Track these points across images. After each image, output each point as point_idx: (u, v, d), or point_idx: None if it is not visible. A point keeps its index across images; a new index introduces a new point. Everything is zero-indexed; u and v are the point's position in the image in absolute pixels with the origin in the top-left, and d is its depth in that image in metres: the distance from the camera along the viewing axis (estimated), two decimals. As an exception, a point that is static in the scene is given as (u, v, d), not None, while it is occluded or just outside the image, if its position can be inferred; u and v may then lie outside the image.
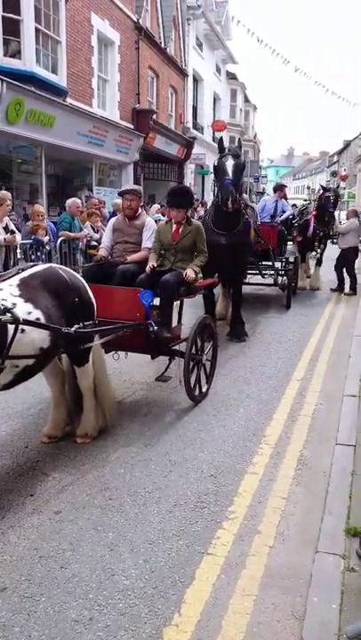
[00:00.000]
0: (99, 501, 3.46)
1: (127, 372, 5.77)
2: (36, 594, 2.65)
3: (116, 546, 3.03)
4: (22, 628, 2.43)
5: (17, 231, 7.33)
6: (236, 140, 33.18)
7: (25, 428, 4.51)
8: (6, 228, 6.99)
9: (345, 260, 11.12)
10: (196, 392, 5.09)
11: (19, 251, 7.54)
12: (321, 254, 11.75)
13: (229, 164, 6.54)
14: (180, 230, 5.25)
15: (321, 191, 11.99)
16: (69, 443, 4.25)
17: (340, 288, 11.19)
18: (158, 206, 14.82)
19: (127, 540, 3.08)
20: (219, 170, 6.69)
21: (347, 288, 11.14)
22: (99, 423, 4.37)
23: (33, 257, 7.67)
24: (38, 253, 7.89)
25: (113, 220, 5.63)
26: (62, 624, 2.47)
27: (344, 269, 11.11)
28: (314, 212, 11.30)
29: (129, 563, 2.90)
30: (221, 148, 6.83)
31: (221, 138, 7.14)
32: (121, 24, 16.06)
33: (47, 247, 8.21)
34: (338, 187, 22.90)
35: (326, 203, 11.16)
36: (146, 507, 3.43)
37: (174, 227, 5.31)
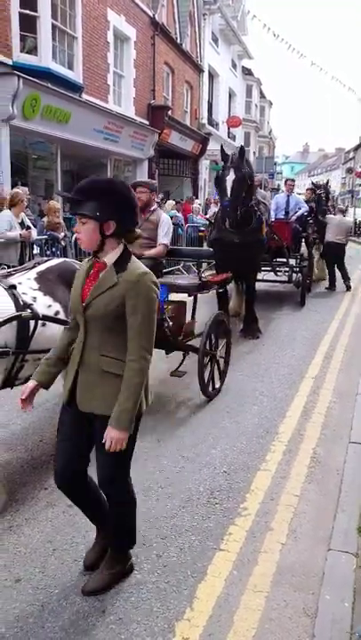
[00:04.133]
0: (112, 495, 3.48)
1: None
2: (50, 585, 2.68)
3: (128, 539, 3.04)
4: (36, 619, 2.46)
5: (32, 227, 7.38)
6: (251, 135, 32.94)
7: (40, 422, 4.55)
8: (22, 224, 7.04)
9: (333, 257, 11.31)
10: (210, 388, 5.10)
11: (35, 246, 7.60)
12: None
13: (229, 179, 6.41)
14: (99, 279, 2.40)
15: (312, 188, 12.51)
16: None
17: (332, 286, 11.33)
18: (173, 202, 14.83)
19: (139, 535, 3.07)
20: (219, 186, 6.64)
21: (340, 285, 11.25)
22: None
23: (48, 252, 7.73)
24: (54, 249, 7.94)
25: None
26: (75, 616, 2.50)
27: (335, 266, 11.33)
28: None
29: (141, 557, 2.91)
30: (224, 157, 6.69)
31: (222, 146, 7.02)
32: (137, 19, 16.04)
33: (62, 243, 8.26)
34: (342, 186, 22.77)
35: (319, 200, 11.67)
36: (158, 502, 3.44)
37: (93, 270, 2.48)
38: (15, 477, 3.65)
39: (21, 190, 8.65)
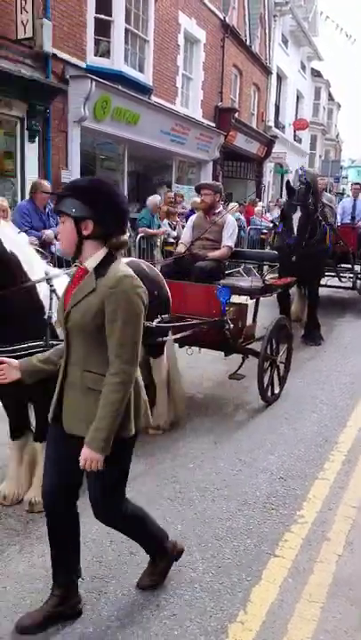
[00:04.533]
0: (168, 493, 3.53)
1: (198, 367, 5.81)
2: (107, 575, 2.75)
3: (184, 538, 3.07)
4: (93, 607, 2.54)
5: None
6: (317, 138, 32.23)
7: (99, 416, 4.66)
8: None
9: None
10: (269, 393, 5.06)
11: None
12: None
13: (296, 217, 6.37)
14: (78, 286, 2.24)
15: None
16: (141, 433, 4.33)
17: None
18: (237, 205, 14.75)
19: (195, 534, 3.13)
20: (285, 219, 6.64)
21: None
22: (170, 416, 4.45)
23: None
24: (118, 248, 8.10)
25: (193, 216, 5.69)
26: (130, 607, 2.55)
27: None
28: None
29: (196, 556, 2.94)
30: (290, 192, 6.65)
31: (288, 181, 6.97)
32: (207, 22, 16.11)
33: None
34: None
35: None
36: (214, 503, 3.46)
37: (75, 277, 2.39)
38: (76, 468, 3.75)
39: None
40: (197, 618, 2.51)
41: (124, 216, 2.21)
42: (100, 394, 2.12)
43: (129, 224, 8.74)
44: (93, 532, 3.08)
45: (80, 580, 2.54)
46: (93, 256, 2.16)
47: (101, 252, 2.16)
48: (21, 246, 3.01)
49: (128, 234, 2.36)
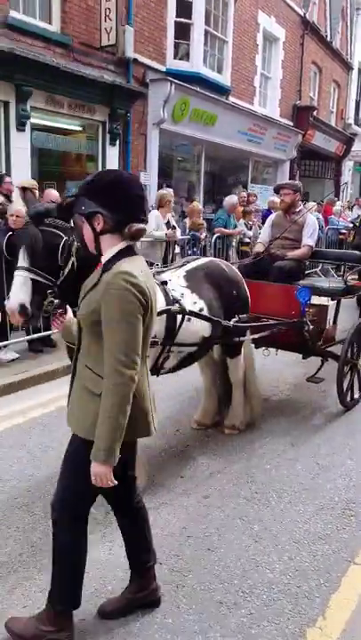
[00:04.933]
0: (245, 492, 3.52)
1: (275, 369, 5.75)
2: (184, 569, 2.79)
3: (260, 538, 3.07)
4: (171, 598, 2.58)
5: (177, 227, 7.69)
6: None
7: (176, 413, 4.74)
8: (168, 224, 7.36)
9: None
10: (348, 398, 4.91)
11: (176, 245, 7.91)
12: None
13: None
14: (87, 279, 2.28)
15: None
16: (217, 432, 4.37)
17: None
18: (315, 204, 14.43)
19: (272, 535, 3.10)
20: None
21: None
22: (246, 417, 4.44)
23: (190, 252, 7.99)
24: (195, 249, 8.18)
25: (272, 215, 5.63)
26: (208, 602, 2.58)
27: None
28: None
29: (273, 557, 2.92)
30: None
31: None
32: (287, 19, 15.87)
33: (202, 243, 8.48)
34: None
35: None
36: (291, 505, 3.41)
37: None
38: (153, 462, 3.83)
39: (167, 192, 9.07)
40: (275, 619, 2.50)
41: (133, 203, 2.06)
42: (89, 393, 2.08)
43: (204, 223, 8.86)
44: (171, 526, 3.14)
45: (158, 564, 2.58)
46: (110, 250, 2.09)
47: (118, 246, 2.08)
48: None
49: (147, 223, 2.19)
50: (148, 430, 2.22)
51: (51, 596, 2.27)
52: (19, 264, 2.69)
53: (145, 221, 2.12)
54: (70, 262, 2.75)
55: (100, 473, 1.99)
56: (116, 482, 2.04)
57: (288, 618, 2.51)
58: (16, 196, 6.22)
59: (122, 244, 2.08)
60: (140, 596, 2.48)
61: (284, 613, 2.53)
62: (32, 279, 2.69)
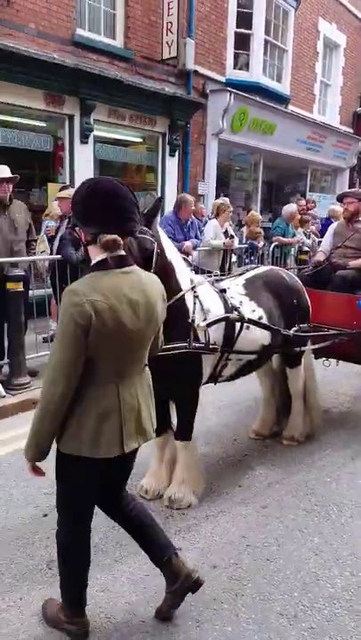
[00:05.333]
0: (304, 504, 3.47)
1: (335, 381, 5.64)
2: (243, 578, 2.78)
3: (321, 552, 3.01)
4: (231, 607, 2.58)
5: (235, 236, 7.71)
6: None
7: (233, 422, 4.73)
8: (226, 233, 7.39)
9: None
10: None
11: (233, 254, 7.93)
12: None
13: None
14: None
15: None
16: (276, 443, 4.33)
17: None
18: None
19: (333, 549, 3.04)
20: None
21: None
22: (306, 428, 4.37)
23: (247, 261, 7.98)
24: (252, 257, 8.17)
25: (334, 224, 5.55)
26: (267, 613, 2.55)
27: None
28: None
29: (334, 571, 2.86)
30: None
31: None
32: (349, 26, 15.65)
33: (260, 251, 8.46)
34: None
35: None
36: (353, 519, 3.33)
37: None
38: (211, 471, 3.84)
39: (224, 201, 9.11)
40: (337, 635, 2.44)
41: (103, 213, 1.98)
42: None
43: (262, 232, 8.81)
44: (230, 535, 3.14)
45: (216, 571, 2.58)
46: (93, 262, 2.06)
47: (96, 258, 2.04)
48: (176, 255, 3.18)
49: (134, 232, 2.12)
50: (110, 450, 2.09)
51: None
52: None
53: (124, 231, 2.03)
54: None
55: (26, 466, 2.14)
56: (43, 474, 2.13)
57: (351, 636, 2.45)
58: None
59: (100, 256, 2.02)
60: (177, 587, 2.46)
61: (347, 630, 2.47)
62: None
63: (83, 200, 2.03)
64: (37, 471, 2.13)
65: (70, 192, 6.17)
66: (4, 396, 4.88)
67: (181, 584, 2.45)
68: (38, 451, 2.06)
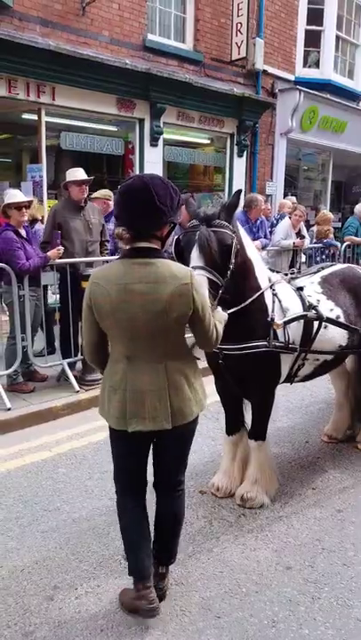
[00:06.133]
0: (382, 510, 3.36)
1: None
2: (320, 582, 2.72)
3: None
4: (307, 609, 2.53)
5: (307, 236, 7.58)
6: None
7: (305, 424, 4.65)
8: (298, 233, 7.29)
9: None
10: None
11: (302, 254, 7.80)
12: None
13: None
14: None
15: None
16: (349, 447, 4.21)
17: None
18: None
19: None
20: None
21: None
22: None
23: (318, 259, 7.82)
24: (323, 256, 7.99)
25: None
26: (346, 619, 2.48)
27: None
28: None
29: None
30: None
31: None
32: None
33: (331, 251, 8.26)
34: None
35: None
36: None
37: None
38: (284, 472, 3.79)
39: (290, 201, 8.98)
40: None
41: (116, 211, 2.29)
42: None
43: (331, 230, 8.54)
44: (303, 537, 3.08)
45: (291, 572, 2.53)
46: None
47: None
48: (254, 252, 3.16)
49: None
50: (117, 423, 2.27)
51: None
52: (193, 264, 2.63)
53: (132, 227, 2.17)
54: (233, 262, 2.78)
55: None
56: None
57: None
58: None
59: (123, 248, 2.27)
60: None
61: None
62: (208, 278, 2.64)
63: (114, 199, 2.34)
64: None
65: (103, 192, 6.31)
66: (77, 391, 5.03)
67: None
68: None
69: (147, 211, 2.13)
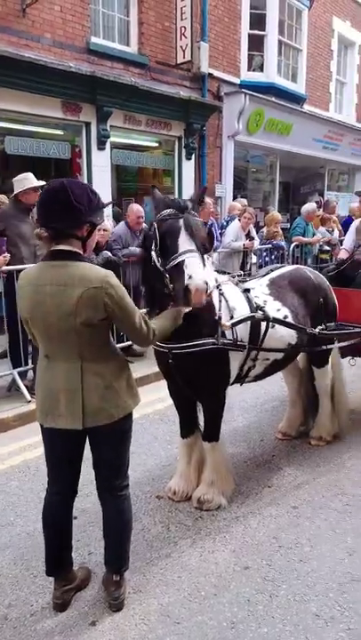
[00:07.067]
0: (335, 504, 3.42)
1: (359, 380, 5.56)
2: (277, 579, 2.75)
3: (355, 552, 2.96)
4: (266, 608, 2.55)
5: (256, 237, 7.69)
6: None
7: (260, 422, 4.70)
8: (248, 235, 7.38)
9: None
10: None
11: (253, 255, 7.91)
12: None
13: None
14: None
15: None
16: (303, 443, 4.29)
17: None
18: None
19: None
20: None
21: None
22: (334, 428, 4.31)
23: (267, 260, 7.94)
24: (272, 257, 8.13)
25: (356, 221, 5.51)
26: (303, 614, 2.52)
27: None
28: None
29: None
30: None
31: None
32: (363, 23, 15.53)
33: (280, 252, 8.41)
34: None
35: None
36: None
37: None
38: (239, 471, 3.81)
39: (240, 203, 9.10)
40: (378, 638, 2.39)
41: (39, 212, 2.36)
42: None
43: (280, 231, 8.70)
44: (260, 535, 3.11)
45: (249, 571, 2.54)
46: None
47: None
48: None
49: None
50: (39, 417, 2.40)
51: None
52: (188, 247, 2.67)
53: (55, 227, 2.23)
54: None
55: None
56: None
57: (390, 636, 2.40)
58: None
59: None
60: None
61: (387, 632, 2.42)
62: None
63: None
64: None
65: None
66: (29, 401, 4.92)
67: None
68: None
69: (63, 209, 2.17)
